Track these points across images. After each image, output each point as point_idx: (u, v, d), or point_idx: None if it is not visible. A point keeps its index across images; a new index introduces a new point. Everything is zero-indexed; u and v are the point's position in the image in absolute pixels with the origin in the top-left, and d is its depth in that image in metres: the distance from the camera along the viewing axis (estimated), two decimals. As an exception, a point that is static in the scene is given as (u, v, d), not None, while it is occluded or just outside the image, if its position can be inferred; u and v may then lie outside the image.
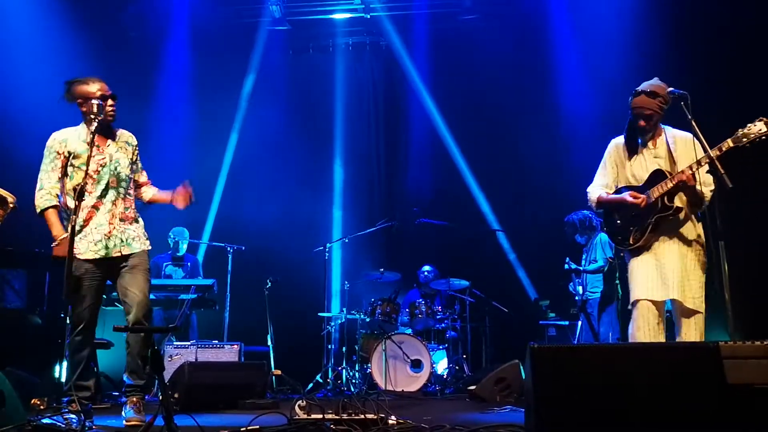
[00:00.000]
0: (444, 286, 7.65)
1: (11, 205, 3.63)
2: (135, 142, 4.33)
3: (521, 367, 5.53)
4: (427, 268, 8.08)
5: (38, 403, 3.64)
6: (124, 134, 4.29)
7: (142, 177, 4.42)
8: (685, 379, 2.51)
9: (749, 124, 3.55)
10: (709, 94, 5.49)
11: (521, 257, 8.78)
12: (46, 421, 3.35)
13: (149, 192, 4.43)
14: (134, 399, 4.01)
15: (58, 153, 4.06)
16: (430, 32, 9.08)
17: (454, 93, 9.03)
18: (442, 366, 7.14)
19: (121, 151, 4.17)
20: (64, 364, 3.93)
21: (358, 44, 9.52)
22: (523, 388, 5.09)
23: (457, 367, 7.18)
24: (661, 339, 3.85)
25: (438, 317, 7.30)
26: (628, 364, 2.57)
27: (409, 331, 7.15)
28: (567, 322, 7.42)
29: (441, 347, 7.27)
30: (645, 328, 3.82)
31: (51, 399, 3.83)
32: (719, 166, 3.53)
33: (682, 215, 3.88)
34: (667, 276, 3.81)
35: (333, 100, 9.39)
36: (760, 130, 3.51)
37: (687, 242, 3.86)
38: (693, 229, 3.91)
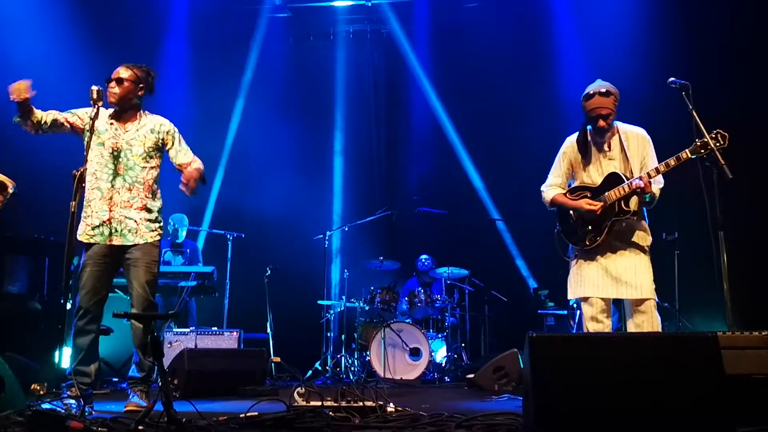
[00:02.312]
0: (443, 274, 7.66)
1: (11, 191, 3.63)
2: (166, 129, 4.19)
3: (519, 356, 5.55)
4: (424, 256, 8.08)
5: (38, 388, 3.64)
6: (151, 121, 4.18)
7: (182, 158, 4.21)
8: (683, 369, 2.51)
9: (706, 136, 3.61)
10: (710, 84, 5.48)
11: (521, 246, 8.79)
12: (45, 406, 3.36)
13: (179, 162, 4.23)
14: (137, 388, 4.07)
15: (77, 115, 4.06)
16: (431, 20, 9.05)
17: (454, 81, 9.00)
18: (440, 354, 7.16)
19: (138, 139, 4.09)
20: (65, 349, 3.93)
21: (359, 32, 9.48)
22: (521, 377, 5.12)
23: (455, 356, 7.20)
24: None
25: (437, 306, 7.31)
26: (625, 354, 2.58)
27: (408, 319, 7.16)
28: (566, 312, 7.43)
29: (440, 336, 7.29)
30: (594, 321, 3.93)
31: (51, 384, 3.84)
32: (719, 157, 3.53)
33: (636, 217, 3.96)
34: (620, 275, 3.90)
35: (333, 88, 9.36)
36: (717, 143, 3.58)
37: (638, 242, 3.97)
38: (642, 230, 4.00)
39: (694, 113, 3.67)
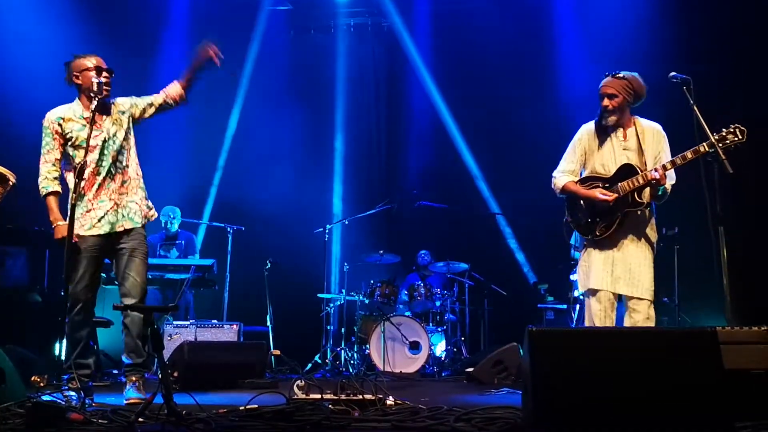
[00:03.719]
0: (443, 268, 7.66)
1: (11, 183, 3.62)
2: (128, 104, 4.23)
3: (519, 350, 5.56)
4: (424, 251, 8.09)
5: (38, 380, 3.66)
6: (117, 105, 4.21)
7: (156, 99, 4.32)
8: (681, 364, 2.52)
9: (724, 129, 3.60)
10: (710, 82, 5.47)
11: (521, 241, 8.79)
12: (46, 398, 3.37)
13: (159, 97, 4.33)
14: (134, 378, 4.04)
15: (55, 132, 4.02)
16: (432, 13, 9.00)
17: (455, 75, 8.97)
18: (440, 348, 7.16)
19: (116, 125, 4.13)
20: (65, 341, 3.94)
21: (359, 25, 9.42)
22: (520, 371, 5.12)
23: (455, 350, 7.21)
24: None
25: (437, 300, 7.32)
26: (625, 348, 2.58)
27: (408, 313, 7.17)
28: (565, 306, 7.44)
29: (439, 329, 7.29)
30: (601, 315, 3.91)
31: (51, 376, 3.86)
32: (720, 152, 3.53)
33: (647, 211, 3.96)
34: (622, 270, 3.90)
35: (334, 81, 9.32)
36: (735, 137, 3.57)
37: (645, 238, 3.96)
38: (650, 225, 4.00)
39: (695, 108, 3.66)
